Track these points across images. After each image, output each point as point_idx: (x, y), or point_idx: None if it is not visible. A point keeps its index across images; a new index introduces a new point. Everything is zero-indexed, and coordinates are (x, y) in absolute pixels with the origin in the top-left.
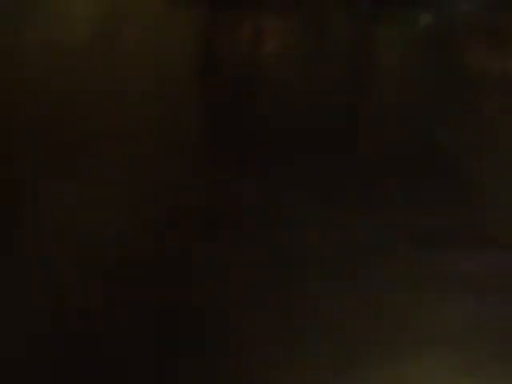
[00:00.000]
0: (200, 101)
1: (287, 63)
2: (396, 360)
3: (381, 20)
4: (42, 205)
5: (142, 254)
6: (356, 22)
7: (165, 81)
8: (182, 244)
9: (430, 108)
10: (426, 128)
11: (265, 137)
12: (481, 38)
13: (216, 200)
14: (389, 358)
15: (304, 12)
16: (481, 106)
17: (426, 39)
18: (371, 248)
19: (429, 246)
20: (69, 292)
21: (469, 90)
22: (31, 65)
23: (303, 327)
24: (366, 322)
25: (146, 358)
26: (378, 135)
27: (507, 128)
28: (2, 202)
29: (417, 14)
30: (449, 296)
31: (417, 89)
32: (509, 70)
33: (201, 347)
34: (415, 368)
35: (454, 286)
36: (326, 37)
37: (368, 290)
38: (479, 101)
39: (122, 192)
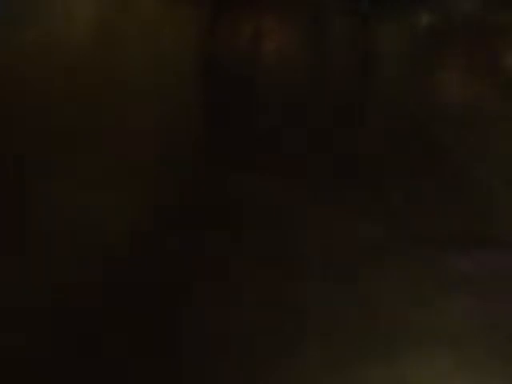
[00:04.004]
0: (200, 100)
1: (287, 63)
2: (396, 360)
3: (381, 20)
4: (42, 205)
5: (142, 253)
6: (356, 22)
7: (165, 80)
8: (183, 244)
9: (430, 108)
10: (426, 128)
11: (265, 136)
12: (481, 37)
13: (216, 200)
14: (388, 357)
15: (304, 12)
16: (481, 106)
17: (425, 39)
18: (371, 248)
19: (429, 246)
20: (69, 292)
21: (469, 89)
22: (31, 65)
23: (303, 327)
24: (366, 321)
25: (146, 358)
26: (378, 135)
27: (508, 128)
28: (1, 201)
29: (417, 14)
30: (449, 296)
31: (417, 89)
32: (509, 67)
33: (201, 347)
34: (415, 368)
35: (454, 286)
36: (326, 37)
37: (368, 290)
38: (480, 100)
39: (123, 192)
